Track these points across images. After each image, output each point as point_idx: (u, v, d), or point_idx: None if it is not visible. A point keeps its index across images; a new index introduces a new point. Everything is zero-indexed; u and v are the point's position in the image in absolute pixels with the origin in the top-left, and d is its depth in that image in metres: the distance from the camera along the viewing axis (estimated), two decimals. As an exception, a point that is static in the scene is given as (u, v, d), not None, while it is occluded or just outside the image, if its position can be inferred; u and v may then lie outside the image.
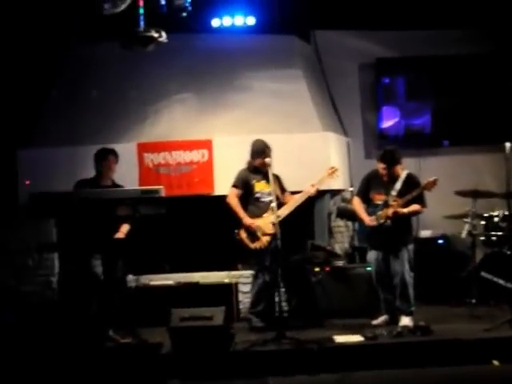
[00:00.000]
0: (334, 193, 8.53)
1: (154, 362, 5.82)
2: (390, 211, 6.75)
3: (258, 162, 6.95)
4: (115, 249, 6.59)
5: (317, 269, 7.19)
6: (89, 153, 6.97)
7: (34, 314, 6.71)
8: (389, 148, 7.07)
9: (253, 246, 6.89)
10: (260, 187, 6.97)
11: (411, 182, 6.90)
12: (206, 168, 8.15)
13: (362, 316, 6.99)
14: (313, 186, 6.98)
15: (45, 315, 6.63)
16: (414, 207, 6.78)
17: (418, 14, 8.26)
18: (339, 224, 8.68)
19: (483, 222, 7.87)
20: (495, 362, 5.67)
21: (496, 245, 7.75)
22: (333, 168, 7.15)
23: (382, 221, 6.79)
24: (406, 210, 6.75)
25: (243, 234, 6.90)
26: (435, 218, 8.03)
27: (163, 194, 6.00)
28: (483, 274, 7.58)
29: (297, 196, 7.03)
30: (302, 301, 7.39)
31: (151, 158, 8.16)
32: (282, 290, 6.92)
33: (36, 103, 8.30)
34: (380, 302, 6.98)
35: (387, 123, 8.90)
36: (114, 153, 6.80)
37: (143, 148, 8.16)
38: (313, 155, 8.05)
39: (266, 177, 6.85)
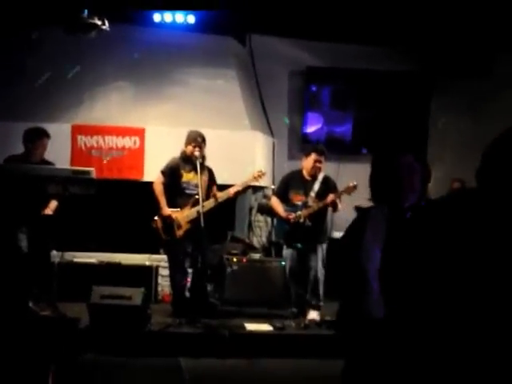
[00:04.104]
0: (257, 189, 8.74)
1: (71, 335, 5.87)
2: (309, 211, 7.02)
3: (188, 149, 6.93)
4: (42, 224, 6.65)
5: (234, 259, 7.35)
6: (22, 129, 6.95)
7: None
8: (320, 144, 7.42)
9: (164, 237, 6.92)
10: (188, 177, 6.96)
11: (328, 183, 7.20)
12: (137, 155, 8.32)
13: (274, 307, 7.16)
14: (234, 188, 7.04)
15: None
16: (330, 197, 6.98)
17: (349, 28, 8.52)
18: (259, 219, 8.87)
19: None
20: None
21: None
22: (260, 172, 7.19)
23: (301, 220, 7.01)
24: (321, 205, 7.00)
25: (159, 224, 6.90)
26: (348, 220, 8.29)
27: (94, 175, 6.12)
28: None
29: (219, 194, 7.02)
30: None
31: (84, 141, 8.27)
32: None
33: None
34: (291, 295, 7.19)
35: (311, 128, 9.20)
36: (48, 135, 6.85)
37: (77, 130, 8.26)
38: (240, 152, 8.32)
39: (196, 168, 6.83)
